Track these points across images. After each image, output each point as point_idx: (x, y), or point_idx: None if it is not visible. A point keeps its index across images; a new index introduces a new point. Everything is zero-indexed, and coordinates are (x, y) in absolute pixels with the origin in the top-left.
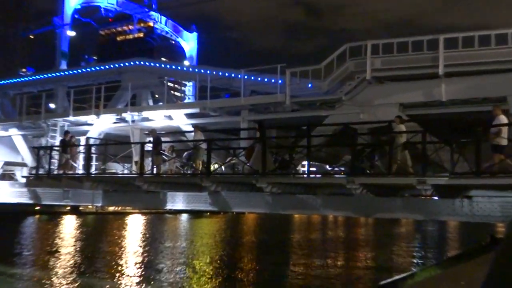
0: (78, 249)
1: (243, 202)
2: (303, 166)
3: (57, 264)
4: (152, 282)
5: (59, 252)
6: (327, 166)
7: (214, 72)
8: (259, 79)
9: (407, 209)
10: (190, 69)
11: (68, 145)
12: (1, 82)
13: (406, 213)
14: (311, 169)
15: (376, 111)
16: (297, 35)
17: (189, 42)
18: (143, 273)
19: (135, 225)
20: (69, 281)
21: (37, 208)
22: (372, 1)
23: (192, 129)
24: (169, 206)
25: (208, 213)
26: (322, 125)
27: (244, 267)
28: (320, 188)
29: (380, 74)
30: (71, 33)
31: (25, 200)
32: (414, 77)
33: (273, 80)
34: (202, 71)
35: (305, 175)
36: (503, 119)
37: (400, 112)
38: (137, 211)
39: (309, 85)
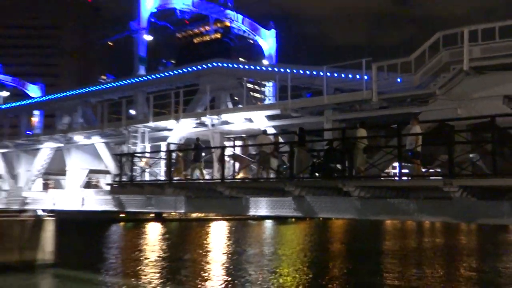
0: (163, 256)
1: (329, 207)
2: (394, 168)
3: (144, 271)
4: None
5: (145, 259)
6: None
7: (294, 71)
8: (342, 75)
9: None
10: (270, 69)
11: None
12: (83, 90)
13: None
14: (403, 171)
15: (475, 105)
16: (383, 26)
17: (267, 40)
18: (230, 282)
19: (218, 232)
20: None
21: (122, 215)
22: None
23: (273, 131)
24: (252, 212)
25: (293, 219)
26: None
27: (336, 276)
28: (413, 192)
29: (480, 63)
30: (148, 38)
31: (109, 207)
32: None
33: (358, 76)
34: (282, 70)
35: (395, 178)
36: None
37: (505, 105)
38: (220, 217)
39: (398, 80)
